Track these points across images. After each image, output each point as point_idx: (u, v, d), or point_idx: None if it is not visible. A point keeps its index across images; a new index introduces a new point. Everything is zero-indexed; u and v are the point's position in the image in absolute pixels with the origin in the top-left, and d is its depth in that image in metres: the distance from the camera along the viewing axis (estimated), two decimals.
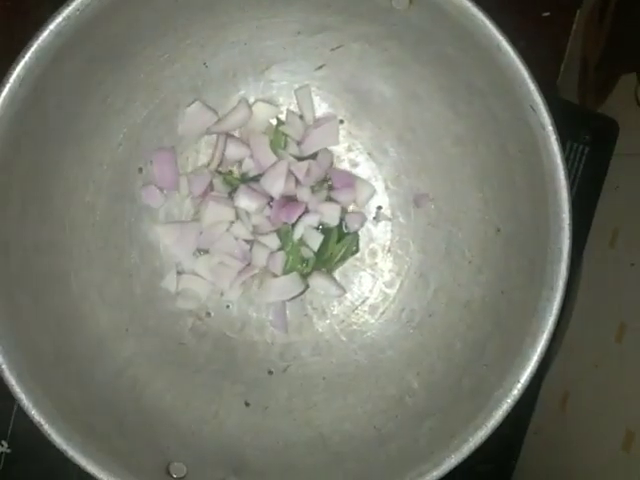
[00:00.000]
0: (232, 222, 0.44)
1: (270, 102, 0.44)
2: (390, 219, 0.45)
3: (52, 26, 0.33)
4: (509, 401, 0.36)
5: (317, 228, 0.44)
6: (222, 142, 0.43)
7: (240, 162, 0.44)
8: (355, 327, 0.45)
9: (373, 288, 0.46)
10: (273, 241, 0.44)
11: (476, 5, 0.34)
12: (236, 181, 0.44)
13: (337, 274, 0.46)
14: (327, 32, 0.41)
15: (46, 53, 0.33)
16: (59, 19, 0.33)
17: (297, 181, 0.44)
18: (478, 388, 0.38)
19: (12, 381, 0.35)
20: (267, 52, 0.42)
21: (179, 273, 0.44)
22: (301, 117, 0.44)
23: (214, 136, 0.44)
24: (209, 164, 0.44)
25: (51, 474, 0.49)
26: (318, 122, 0.44)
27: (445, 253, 0.43)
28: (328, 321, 0.46)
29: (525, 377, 0.36)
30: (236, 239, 0.44)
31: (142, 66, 0.40)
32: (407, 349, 0.43)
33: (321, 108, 0.44)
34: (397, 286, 0.45)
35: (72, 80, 0.36)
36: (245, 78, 0.43)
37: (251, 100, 0.44)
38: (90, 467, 0.35)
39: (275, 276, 0.44)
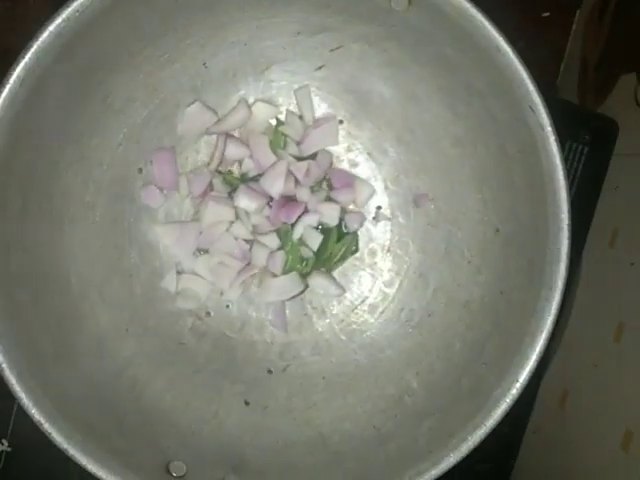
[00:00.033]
0: (232, 222, 0.44)
1: (270, 102, 0.44)
2: (389, 219, 0.45)
3: (52, 27, 0.33)
4: (508, 400, 0.36)
5: (317, 228, 0.45)
6: (222, 142, 0.44)
7: (240, 162, 0.44)
8: (355, 326, 0.46)
9: (372, 288, 0.46)
10: (273, 241, 0.44)
11: (475, 6, 0.34)
12: (236, 181, 0.44)
13: (337, 274, 0.46)
14: (327, 33, 0.41)
15: (46, 54, 0.33)
16: (59, 20, 0.33)
17: (297, 181, 0.44)
18: (477, 388, 0.38)
19: (12, 380, 0.35)
20: (267, 52, 0.42)
21: (179, 273, 0.44)
22: (301, 117, 0.44)
23: (214, 136, 0.44)
24: (209, 164, 0.44)
25: (51, 473, 0.49)
26: (318, 122, 0.44)
27: (444, 253, 0.43)
28: (328, 320, 0.46)
29: (524, 377, 0.36)
30: (236, 239, 0.44)
31: (142, 66, 0.40)
32: (406, 349, 0.44)
33: (321, 108, 0.44)
34: (396, 286, 0.45)
35: (72, 80, 0.36)
36: (245, 78, 0.43)
37: (251, 100, 0.44)
38: (90, 466, 0.36)
39: (275, 276, 0.44)
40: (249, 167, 0.44)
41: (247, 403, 0.43)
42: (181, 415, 0.41)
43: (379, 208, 0.46)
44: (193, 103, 0.43)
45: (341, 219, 0.45)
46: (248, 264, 0.44)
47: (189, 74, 0.42)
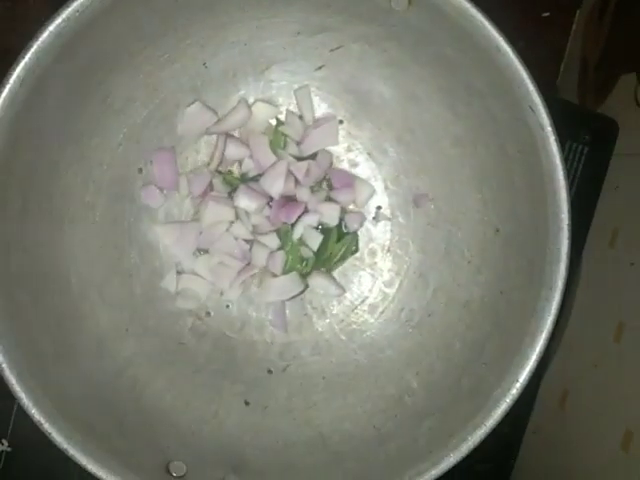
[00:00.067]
0: (232, 222, 0.44)
1: (270, 102, 0.44)
2: (389, 219, 0.45)
3: (52, 27, 0.33)
4: (508, 400, 0.36)
5: (316, 228, 0.45)
6: (222, 142, 0.44)
7: (240, 162, 0.44)
8: (355, 326, 0.46)
9: (372, 288, 0.46)
10: (273, 241, 0.44)
11: (475, 6, 0.34)
12: (236, 181, 0.44)
13: (337, 274, 0.46)
14: (327, 33, 0.41)
15: (46, 54, 0.33)
16: (59, 20, 0.33)
17: (297, 181, 0.44)
18: (477, 388, 0.38)
19: (12, 380, 0.35)
20: (267, 52, 0.42)
21: (179, 273, 0.44)
22: (301, 117, 0.44)
23: (214, 136, 0.44)
24: (209, 164, 0.44)
25: (51, 473, 0.49)
26: (317, 122, 0.44)
27: (444, 253, 0.43)
28: (328, 320, 0.46)
29: (524, 377, 0.36)
30: (236, 239, 0.44)
31: (142, 66, 0.40)
32: (406, 349, 0.44)
33: (321, 108, 0.44)
34: (396, 286, 0.45)
35: (72, 80, 0.36)
36: (245, 78, 0.43)
37: (251, 100, 0.44)
38: (90, 466, 0.36)
39: (275, 276, 0.44)
40: (249, 167, 0.44)
41: (247, 403, 0.43)
42: (181, 415, 0.41)
43: (379, 208, 0.46)
44: (193, 103, 0.43)
45: (341, 219, 0.45)
46: (248, 264, 0.44)
47: (189, 74, 0.42)
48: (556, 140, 0.35)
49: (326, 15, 0.39)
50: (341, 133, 0.45)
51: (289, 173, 0.43)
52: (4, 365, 0.35)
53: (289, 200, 0.44)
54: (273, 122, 0.45)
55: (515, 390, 0.36)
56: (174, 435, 0.40)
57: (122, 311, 0.42)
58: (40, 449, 0.48)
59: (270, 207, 0.44)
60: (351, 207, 0.46)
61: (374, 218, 0.46)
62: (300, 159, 0.44)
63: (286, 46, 0.42)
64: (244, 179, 0.44)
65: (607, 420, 0.46)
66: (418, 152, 0.44)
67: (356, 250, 0.46)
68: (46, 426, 0.35)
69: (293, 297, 0.45)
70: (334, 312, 0.46)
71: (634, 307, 0.46)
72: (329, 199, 0.45)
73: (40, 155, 0.37)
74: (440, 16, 0.35)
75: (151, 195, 0.43)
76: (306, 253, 0.44)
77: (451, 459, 0.37)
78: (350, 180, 0.45)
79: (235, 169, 0.45)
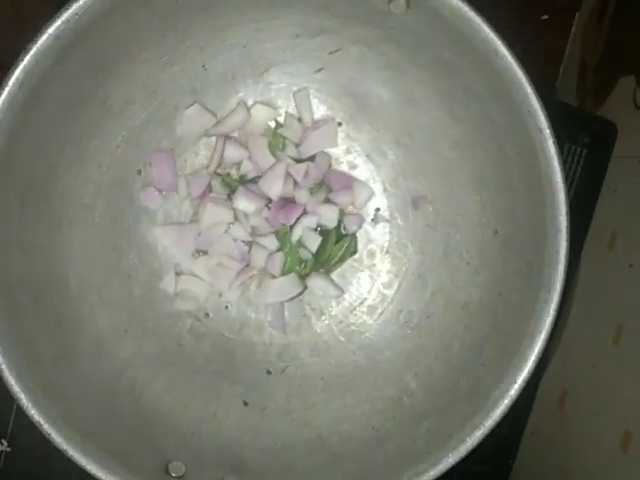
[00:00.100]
0: (231, 223, 0.44)
1: (269, 104, 0.44)
2: (388, 221, 0.46)
3: (51, 30, 0.33)
4: (506, 402, 0.36)
5: (315, 230, 0.45)
6: (221, 144, 0.44)
7: (239, 164, 0.45)
8: (353, 328, 0.46)
9: (371, 289, 0.46)
10: (272, 242, 0.44)
11: (473, 9, 0.34)
12: (235, 183, 0.44)
13: (335, 275, 0.46)
14: (326, 35, 0.41)
15: (45, 56, 0.33)
16: (58, 22, 0.33)
17: (295, 183, 0.44)
18: (476, 389, 0.38)
19: (11, 381, 0.35)
20: (266, 55, 0.42)
21: (178, 274, 0.44)
22: (299, 119, 0.44)
23: (213, 138, 0.44)
24: (208, 166, 0.44)
25: (51, 473, 0.49)
26: (316, 124, 0.44)
27: (443, 255, 0.43)
28: (326, 322, 0.46)
29: (522, 378, 0.36)
30: (235, 240, 0.44)
31: (141, 68, 0.40)
32: (405, 350, 0.44)
33: (319, 111, 0.45)
34: (395, 287, 0.45)
35: (71, 82, 0.36)
36: (244, 80, 0.43)
37: (250, 102, 0.44)
38: (90, 466, 0.36)
39: (274, 277, 0.44)
40: (248, 169, 0.44)
41: (246, 404, 0.43)
42: (180, 416, 0.41)
43: (378, 210, 0.46)
44: (192, 105, 0.43)
45: (340, 221, 0.45)
46: (247, 265, 0.44)
47: (188, 76, 0.42)
48: (554, 143, 0.35)
49: (325, 18, 0.39)
50: (340, 135, 0.45)
51: (288, 175, 0.43)
52: (3, 366, 0.35)
53: (288, 202, 0.44)
54: (272, 124, 0.45)
55: (513, 391, 0.36)
56: (173, 436, 0.40)
57: (121, 312, 0.42)
58: (39, 449, 0.49)
59: (269, 209, 0.44)
60: (350, 209, 0.46)
61: (373, 220, 0.46)
62: (299, 161, 0.44)
63: (285, 48, 0.42)
64: (243, 181, 0.45)
65: (606, 421, 0.46)
66: (417, 154, 0.44)
67: (355, 252, 0.46)
68: (45, 427, 0.35)
69: (292, 298, 0.45)
70: (333, 313, 0.46)
71: (633, 309, 0.46)
72: (328, 201, 0.45)
73: (39, 157, 0.37)
74: (438, 19, 0.35)
75: (150, 197, 0.44)
76: (305, 255, 0.45)
77: (449, 460, 0.37)
78: (349, 182, 0.45)
79: (234, 171, 0.45)
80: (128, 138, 0.42)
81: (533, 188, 0.36)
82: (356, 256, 0.46)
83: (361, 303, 0.46)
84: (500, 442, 0.52)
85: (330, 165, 0.45)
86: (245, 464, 0.40)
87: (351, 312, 0.46)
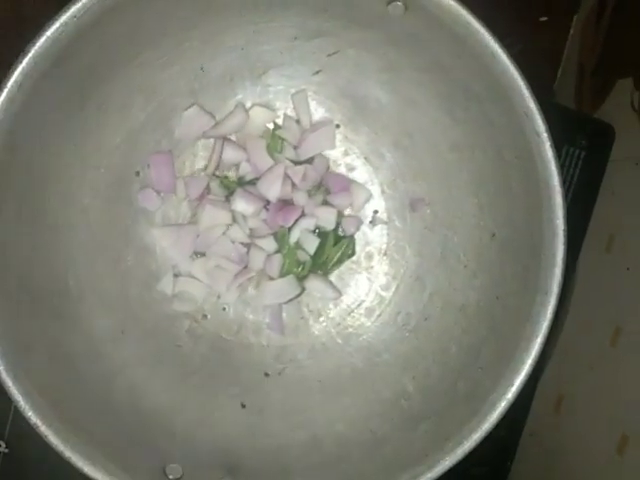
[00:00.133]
0: (229, 225, 0.44)
1: (267, 106, 0.44)
2: (386, 223, 0.46)
3: (49, 32, 0.33)
4: (503, 404, 0.36)
5: (313, 232, 0.45)
6: (219, 146, 0.44)
7: (237, 166, 0.45)
8: (351, 330, 0.46)
9: (369, 291, 0.46)
10: (270, 244, 0.44)
11: (471, 13, 0.34)
12: (233, 184, 0.45)
13: (333, 277, 0.46)
14: (324, 37, 0.41)
15: (44, 59, 0.33)
16: (56, 25, 0.33)
17: (293, 185, 0.44)
18: (473, 392, 0.38)
19: (9, 383, 0.35)
20: (264, 57, 0.42)
21: (175, 276, 0.44)
22: (298, 121, 0.44)
23: (211, 140, 0.44)
24: (206, 167, 0.44)
25: (48, 474, 0.49)
26: (315, 126, 0.44)
27: (441, 257, 0.44)
28: (324, 324, 0.46)
29: (519, 381, 0.36)
30: (233, 242, 0.44)
31: (140, 69, 0.40)
32: (403, 352, 0.44)
33: (318, 113, 0.45)
34: (393, 289, 0.45)
35: (70, 84, 0.36)
36: (242, 82, 0.43)
37: (248, 104, 0.44)
38: (87, 468, 0.36)
39: (271, 279, 0.44)
40: (246, 171, 0.44)
41: (243, 406, 0.43)
42: (177, 417, 0.41)
43: (376, 212, 0.46)
44: (191, 107, 0.43)
45: (338, 223, 0.45)
46: (245, 267, 0.44)
47: (187, 78, 0.42)
48: (551, 146, 0.35)
49: (323, 20, 0.39)
50: (338, 137, 0.45)
51: (286, 177, 0.43)
52: (1, 367, 0.35)
53: (286, 204, 0.44)
54: (270, 126, 0.45)
55: (510, 394, 0.36)
56: (170, 437, 0.40)
57: (119, 313, 0.42)
58: (37, 451, 0.49)
59: (267, 211, 0.44)
60: (348, 211, 0.46)
61: (371, 222, 0.46)
62: (297, 163, 0.44)
63: (283, 51, 0.42)
64: (241, 183, 0.45)
65: (603, 424, 0.46)
66: (415, 157, 0.44)
67: (353, 254, 0.46)
68: (43, 429, 0.35)
69: (290, 300, 0.45)
70: (331, 315, 0.46)
71: (630, 311, 0.46)
72: (326, 203, 0.45)
73: (37, 158, 0.37)
74: (436, 22, 0.35)
75: (148, 198, 0.44)
76: (303, 256, 0.45)
77: (447, 462, 0.37)
78: (347, 184, 0.45)
79: (232, 173, 0.45)
80: (126, 139, 0.42)
81: (531, 191, 0.36)
82: (354, 258, 0.46)
83: (359, 305, 0.46)
84: (498, 444, 0.52)
85: (328, 167, 0.45)
86: (242, 466, 0.40)
87: (349, 314, 0.46)
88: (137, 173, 0.43)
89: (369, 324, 0.45)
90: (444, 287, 0.43)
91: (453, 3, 0.34)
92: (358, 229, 0.46)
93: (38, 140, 0.37)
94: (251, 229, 0.44)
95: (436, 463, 0.37)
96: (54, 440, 0.35)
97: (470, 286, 0.42)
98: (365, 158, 0.45)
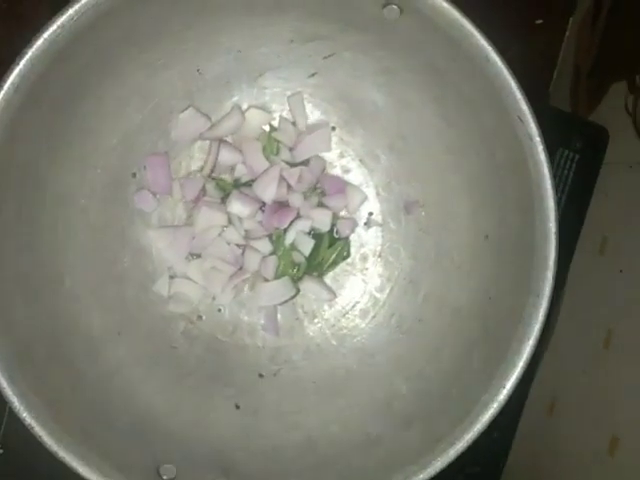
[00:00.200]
0: (224, 227, 0.44)
1: (263, 109, 0.44)
2: (381, 225, 0.46)
3: (46, 34, 0.33)
4: (495, 406, 0.37)
5: (308, 233, 0.45)
6: (215, 148, 0.44)
7: (233, 168, 0.45)
8: (345, 331, 0.46)
9: (363, 293, 0.46)
10: (265, 246, 0.44)
11: (465, 16, 0.34)
12: (229, 186, 0.45)
13: (328, 279, 0.46)
14: (320, 40, 0.41)
15: (41, 60, 0.33)
16: (54, 27, 0.33)
17: (289, 187, 0.44)
18: (465, 393, 0.38)
19: (3, 384, 0.35)
20: (261, 59, 0.42)
21: (171, 277, 0.44)
22: (293, 124, 0.45)
23: (207, 142, 0.44)
24: (202, 169, 0.45)
25: (43, 475, 0.49)
26: (310, 129, 0.44)
27: (435, 259, 0.44)
28: (319, 325, 0.46)
29: (511, 383, 0.37)
30: (228, 244, 0.44)
31: (136, 71, 0.40)
32: (396, 354, 0.44)
33: (313, 115, 0.45)
34: (387, 291, 0.46)
35: (67, 85, 0.37)
36: (238, 85, 0.43)
37: (244, 106, 0.44)
38: (81, 468, 0.36)
39: (267, 280, 0.45)
40: (242, 173, 0.44)
41: (238, 407, 0.43)
42: (172, 418, 0.41)
43: (371, 214, 0.46)
44: (187, 109, 0.43)
45: (333, 225, 0.45)
46: (240, 269, 0.45)
47: (183, 80, 0.42)
48: (544, 150, 0.35)
49: (319, 23, 0.40)
50: (334, 140, 0.45)
51: (282, 179, 0.44)
52: None
53: (281, 206, 0.44)
54: (266, 128, 0.45)
55: (502, 396, 0.37)
56: (165, 438, 0.40)
57: (114, 314, 0.43)
58: (32, 451, 0.48)
59: (263, 212, 0.44)
60: (343, 213, 0.46)
61: (365, 224, 0.46)
62: (293, 165, 0.44)
63: (280, 53, 0.42)
64: (237, 184, 0.45)
65: (594, 426, 0.46)
66: (410, 159, 0.44)
67: (347, 255, 0.46)
68: (37, 429, 0.35)
69: (285, 302, 0.45)
70: (325, 317, 0.46)
71: (623, 314, 0.46)
72: (321, 205, 0.45)
73: (34, 159, 0.37)
74: (431, 25, 0.35)
75: (144, 199, 0.44)
76: (298, 258, 0.45)
77: (439, 463, 0.37)
78: (342, 186, 0.45)
79: (228, 174, 0.45)
80: (123, 141, 0.42)
81: (523, 194, 0.36)
82: (349, 260, 0.46)
83: (353, 307, 0.46)
84: (491, 445, 0.52)
85: (324, 169, 0.45)
86: (236, 467, 0.40)
87: (343, 316, 0.46)
88: (133, 174, 0.43)
89: (363, 325, 0.46)
90: (438, 289, 0.43)
91: (447, 6, 0.34)
92: (353, 231, 0.46)
93: (35, 141, 0.37)
94: (246, 231, 0.44)
95: (428, 464, 0.37)
96: (48, 440, 0.35)
97: (463, 288, 0.42)
98: (360, 160, 0.45)
